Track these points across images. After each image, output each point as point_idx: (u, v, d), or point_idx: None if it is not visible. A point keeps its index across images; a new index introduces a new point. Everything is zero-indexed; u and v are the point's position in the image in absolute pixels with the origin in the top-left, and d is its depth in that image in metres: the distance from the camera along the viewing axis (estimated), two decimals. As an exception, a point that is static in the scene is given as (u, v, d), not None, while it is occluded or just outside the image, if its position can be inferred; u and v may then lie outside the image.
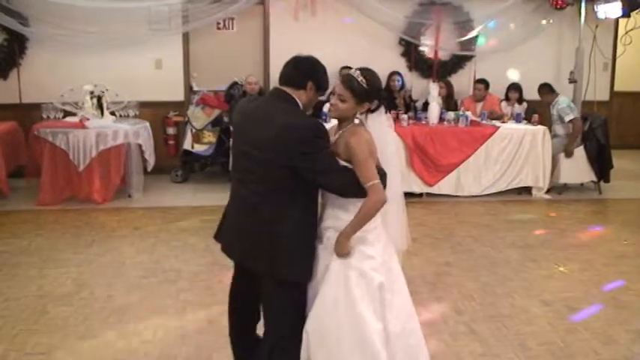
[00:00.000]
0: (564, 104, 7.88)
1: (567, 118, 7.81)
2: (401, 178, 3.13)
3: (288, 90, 2.83)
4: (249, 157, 2.81)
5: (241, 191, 2.90)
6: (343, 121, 2.87)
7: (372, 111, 2.86)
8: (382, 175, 2.81)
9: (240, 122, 2.97)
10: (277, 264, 2.78)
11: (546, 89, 8.14)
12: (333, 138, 2.86)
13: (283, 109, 2.78)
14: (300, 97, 2.82)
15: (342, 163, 2.77)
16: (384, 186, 2.79)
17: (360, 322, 2.76)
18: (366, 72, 2.81)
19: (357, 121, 2.87)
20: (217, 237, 3.12)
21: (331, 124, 2.97)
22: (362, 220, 2.75)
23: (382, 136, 2.89)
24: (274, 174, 2.74)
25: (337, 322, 2.76)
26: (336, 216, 2.85)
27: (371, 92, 2.80)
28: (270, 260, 2.78)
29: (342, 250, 2.77)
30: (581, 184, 8.14)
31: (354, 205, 2.78)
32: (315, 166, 2.71)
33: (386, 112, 2.93)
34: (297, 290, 2.87)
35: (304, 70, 2.84)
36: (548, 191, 7.82)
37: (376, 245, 2.85)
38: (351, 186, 2.74)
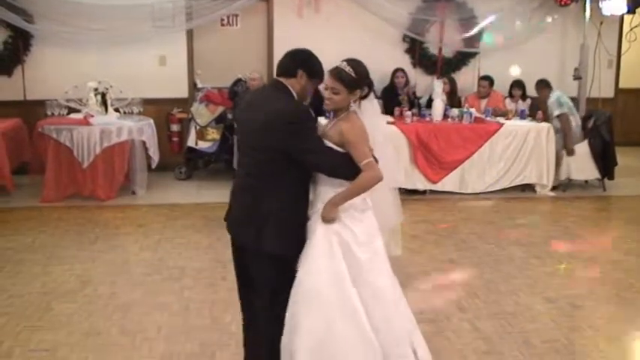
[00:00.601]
0: (553, 99, 7.82)
1: (555, 113, 7.78)
2: (394, 162, 3.29)
3: (283, 79, 2.99)
4: (247, 143, 3.03)
5: (241, 174, 3.11)
6: (338, 111, 3.02)
7: (363, 97, 3.02)
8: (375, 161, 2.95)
9: (242, 110, 3.20)
10: (268, 242, 2.89)
11: (542, 84, 8.06)
12: (329, 126, 3.01)
13: (276, 96, 2.97)
14: (294, 85, 2.97)
15: (335, 147, 2.90)
16: None
17: (339, 282, 2.89)
18: (352, 62, 2.96)
19: (351, 109, 3.00)
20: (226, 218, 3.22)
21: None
22: (353, 191, 2.90)
23: (374, 122, 3.07)
24: (268, 157, 2.90)
25: (318, 282, 2.88)
26: (329, 198, 2.94)
27: (360, 80, 2.95)
28: (262, 238, 2.89)
29: (329, 215, 2.91)
30: (586, 182, 8.11)
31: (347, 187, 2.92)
32: (305, 146, 2.87)
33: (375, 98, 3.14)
34: (287, 267, 2.96)
35: (296, 61, 3.01)
36: (552, 189, 7.80)
37: (365, 222, 2.98)
38: (340, 167, 2.90)
